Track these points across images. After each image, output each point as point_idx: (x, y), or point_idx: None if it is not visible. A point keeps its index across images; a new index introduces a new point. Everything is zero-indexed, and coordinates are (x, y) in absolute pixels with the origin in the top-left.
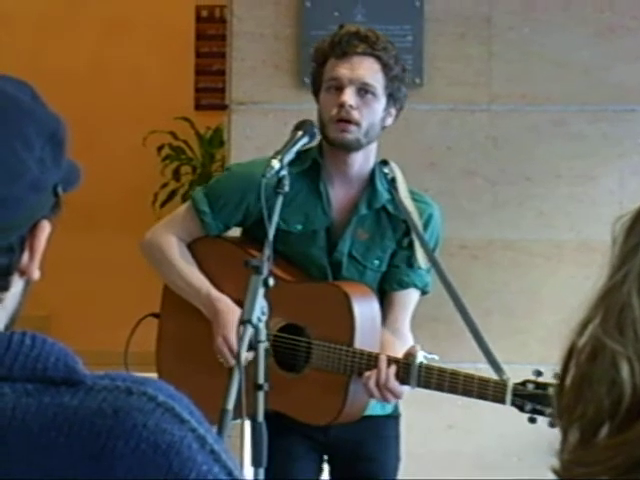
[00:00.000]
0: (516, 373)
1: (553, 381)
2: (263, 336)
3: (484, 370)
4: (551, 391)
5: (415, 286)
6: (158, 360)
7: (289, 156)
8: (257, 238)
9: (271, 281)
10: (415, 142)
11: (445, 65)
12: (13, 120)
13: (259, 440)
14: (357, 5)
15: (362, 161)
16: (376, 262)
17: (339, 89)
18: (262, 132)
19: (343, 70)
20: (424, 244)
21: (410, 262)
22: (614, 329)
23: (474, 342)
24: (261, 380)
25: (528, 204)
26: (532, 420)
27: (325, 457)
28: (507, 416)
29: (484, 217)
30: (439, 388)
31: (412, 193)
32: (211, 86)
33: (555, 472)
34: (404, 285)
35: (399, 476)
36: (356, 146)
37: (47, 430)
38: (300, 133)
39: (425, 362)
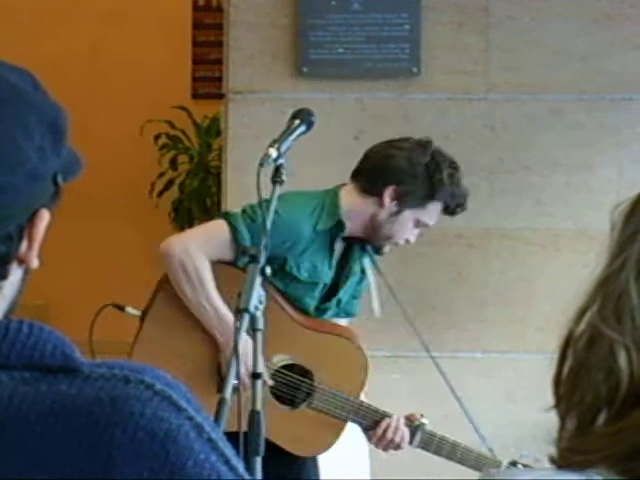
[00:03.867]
0: (514, 363)
1: (534, 464)
2: (260, 324)
3: (480, 360)
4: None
5: (353, 316)
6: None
7: (286, 144)
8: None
9: (268, 270)
10: (412, 131)
11: (442, 54)
12: (13, 108)
13: (256, 429)
14: None
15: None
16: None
17: (418, 226)
18: (259, 121)
19: (435, 222)
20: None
21: (359, 295)
22: (612, 317)
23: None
24: (259, 369)
25: (526, 193)
26: None
27: None
28: (504, 407)
29: (481, 206)
30: (437, 453)
31: None
32: (208, 75)
33: (552, 460)
34: (350, 316)
35: (397, 464)
36: None
37: (44, 418)
38: (297, 122)
39: (428, 428)
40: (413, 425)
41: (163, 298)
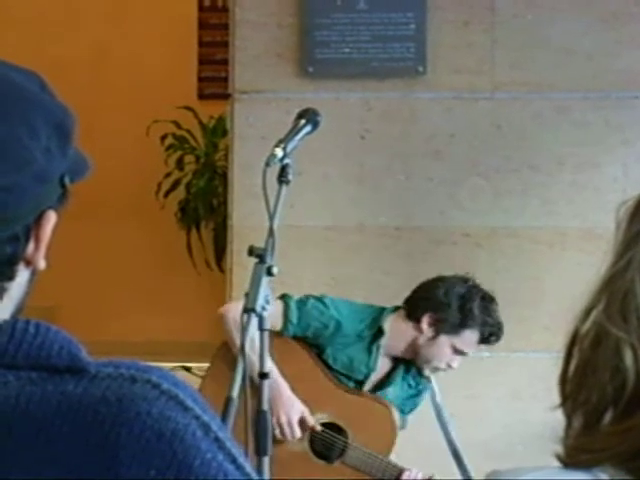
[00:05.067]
0: (521, 361)
1: None
2: (267, 325)
3: (488, 358)
4: None
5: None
6: None
7: (292, 144)
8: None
9: (275, 269)
10: (419, 131)
11: (448, 53)
12: (20, 109)
13: (263, 429)
14: None
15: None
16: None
17: (456, 353)
18: (265, 121)
19: (472, 350)
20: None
21: (406, 411)
22: (617, 316)
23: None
24: (266, 369)
25: (532, 192)
26: None
27: None
28: (511, 406)
29: (488, 205)
30: None
31: None
32: (214, 75)
33: (559, 458)
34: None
35: (409, 467)
36: None
37: (51, 418)
38: (303, 121)
39: None
40: None
41: (219, 360)
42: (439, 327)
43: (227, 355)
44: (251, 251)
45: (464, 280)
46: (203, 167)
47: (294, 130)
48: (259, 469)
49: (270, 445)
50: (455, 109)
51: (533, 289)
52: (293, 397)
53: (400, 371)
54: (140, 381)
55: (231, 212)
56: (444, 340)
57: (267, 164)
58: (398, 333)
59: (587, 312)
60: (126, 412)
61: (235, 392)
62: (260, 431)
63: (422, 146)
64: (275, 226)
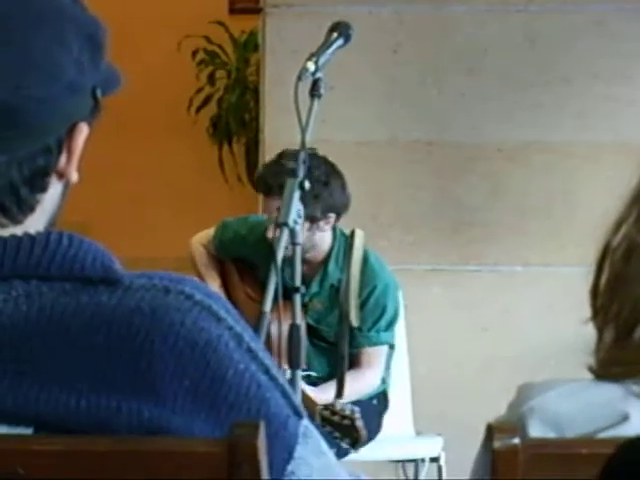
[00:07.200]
0: (555, 275)
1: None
2: (299, 239)
3: (521, 273)
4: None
5: (364, 347)
6: None
7: (324, 58)
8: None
9: (307, 184)
10: (451, 45)
11: None
12: (52, 21)
13: (296, 342)
14: None
15: (314, 253)
16: (329, 328)
17: None
18: (296, 35)
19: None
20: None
21: (360, 327)
22: None
23: None
24: (297, 283)
25: (566, 105)
26: None
27: None
28: (544, 319)
29: (521, 119)
30: None
31: (366, 262)
32: None
33: (592, 371)
34: (357, 345)
35: (440, 380)
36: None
37: (85, 329)
38: (335, 35)
39: None
40: None
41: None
42: None
43: None
44: (282, 165)
45: None
46: (235, 82)
47: (326, 44)
48: (292, 381)
49: (303, 359)
50: (488, 22)
51: (566, 203)
52: None
53: (317, 277)
54: (173, 292)
55: (263, 127)
56: None
57: (299, 78)
58: None
59: (618, 225)
60: (160, 322)
61: (268, 306)
62: (293, 344)
63: (454, 61)
64: (307, 141)
